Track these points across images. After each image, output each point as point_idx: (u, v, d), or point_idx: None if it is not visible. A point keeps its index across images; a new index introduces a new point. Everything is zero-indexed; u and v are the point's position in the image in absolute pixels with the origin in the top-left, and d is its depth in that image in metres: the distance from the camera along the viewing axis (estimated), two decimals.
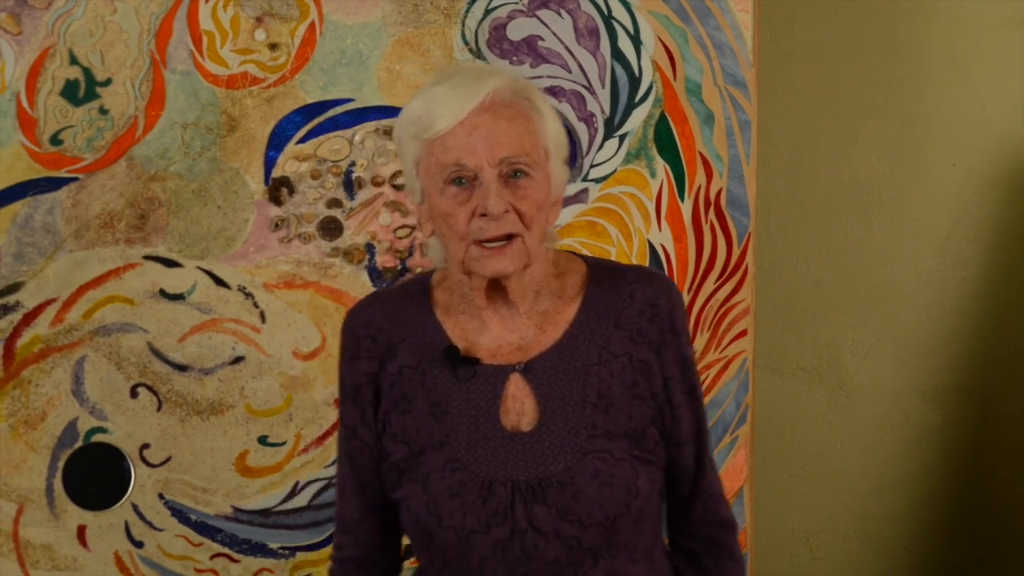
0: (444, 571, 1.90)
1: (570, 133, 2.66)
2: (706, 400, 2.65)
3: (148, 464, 2.64)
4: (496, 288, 1.90)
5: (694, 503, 1.97)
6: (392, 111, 2.65)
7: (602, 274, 1.95)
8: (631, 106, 2.66)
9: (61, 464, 2.62)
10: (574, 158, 2.66)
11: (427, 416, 1.91)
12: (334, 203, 2.65)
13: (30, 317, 2.62)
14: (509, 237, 1.84)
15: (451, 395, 1.92)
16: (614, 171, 2.67)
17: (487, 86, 1.84)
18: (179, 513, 2.64)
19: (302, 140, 2.65)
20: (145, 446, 2.63)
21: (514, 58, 2.65)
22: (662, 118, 2.67)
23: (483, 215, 1.83)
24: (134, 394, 2.63)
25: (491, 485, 1.88)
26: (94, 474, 2.62)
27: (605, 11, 2.66)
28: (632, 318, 1.91)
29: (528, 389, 1.91)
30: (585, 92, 2.66)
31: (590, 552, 1.88)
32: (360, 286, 2.65)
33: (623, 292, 1.92)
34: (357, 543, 2.00)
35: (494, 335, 1.93)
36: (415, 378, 1.94)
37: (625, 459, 1.89)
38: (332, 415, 2.65)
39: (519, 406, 1.91)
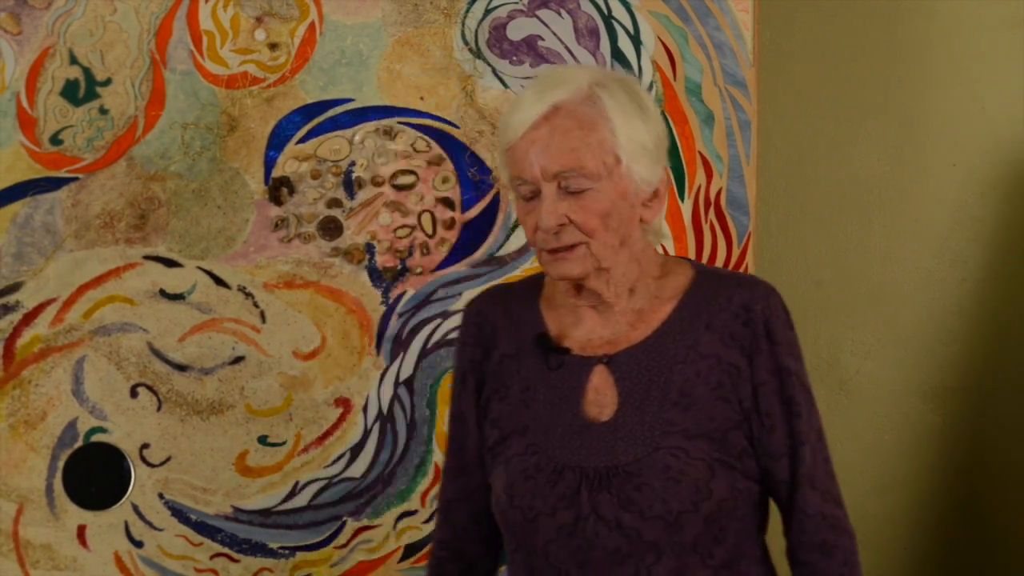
0: (516, 553, 1.96)
1: None
2: None
3: (148, 464, 2.64)
4: (580, 286, 1.95)
5: (791, 522, 1.94)
6: (392, 111, 2.65)
7: (706, 278, 1.96)
8: None
9: (61, 464, 2.62)
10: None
11: (518, 402, 1.97)
12: (334, 203, 2.65)
13: (30, 317, 2.62)
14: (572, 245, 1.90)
15: (540, 382, 1.97)
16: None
17: (552, 97, 1.88)
18: (179, 513, 2.64)
19: (302, 140, 2.65)
20: (145, 446, 2.63)
21: (514, 58, 2.65)
22: (662, 118, 2.67)
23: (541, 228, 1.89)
24: (134, 394, 2.63)
25: (562, 470, 1.92)
26: (94, 474, 2.62)
27: (605, 11, 2.66)
28: (726, 321, 1.92)
29: (611, 381, 1.94)
30: None
31: (652, 546, 1.89)
32: (360, 286, 2.65)
33: (720, 295, 1.93)
34: (448, 524, 2.07)
35: (586, 328, 1.97)
36: (512, 366, 2.00)
37: (702, 459, 1.90)
38: (332, 415, 2.65)
39: (601, 397, 1.94)
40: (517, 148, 1.90)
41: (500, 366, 2.01)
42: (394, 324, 2.66)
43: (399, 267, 2.66)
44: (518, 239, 2.66)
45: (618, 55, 2.66)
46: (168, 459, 2.64)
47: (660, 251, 2.00)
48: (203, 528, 2.64)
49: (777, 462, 1.92)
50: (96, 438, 2.63)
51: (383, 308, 2.66)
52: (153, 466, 2.64)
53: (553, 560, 1.92)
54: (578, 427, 1.95)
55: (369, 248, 2.65)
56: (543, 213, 1.88)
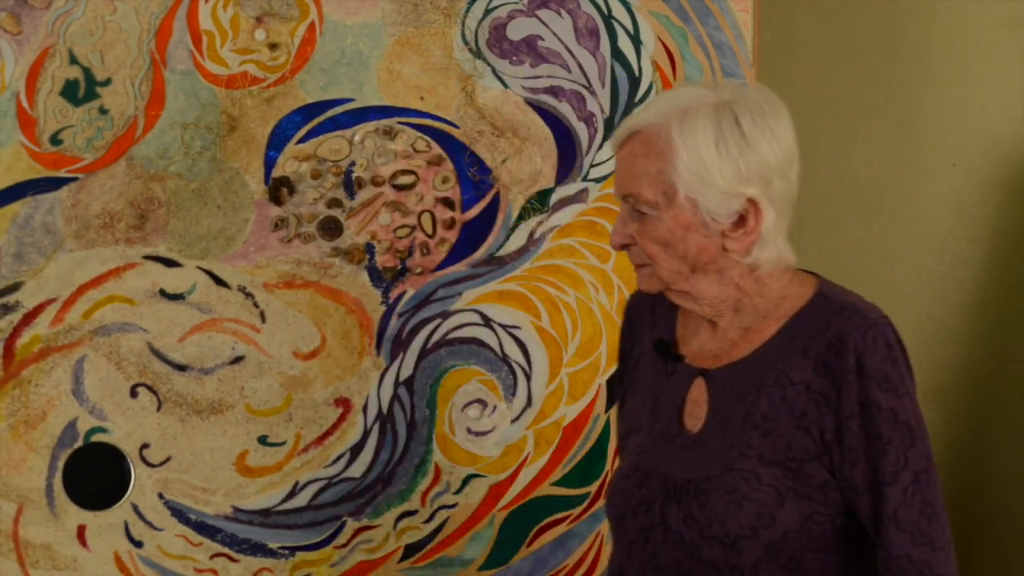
0: (614, 546, 2.04)
1: (570, 133, 2.66)
2: None
3: (148, 464, 2.64)
4: None
5: (880, 560, 1.90)
6: (392, 111, 2.65)
7: (820, 301, 1.95)
8: (631, 106, 2.66)
9: (61, 464, 2.62)
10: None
11: (640, 401, 2.05)
12: (334, 203, 2.65)
13: (30, 317, 2.62)
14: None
15: (658, 386, 2.03)
16: (614, 171, 2.67)
17: (638, 120, 1.94)
18: (179, 513, 2.64)
19: (302, 140, 2.65)
20: (145, 446, 2.63)
21: (514, 58, 2.65)
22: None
23: None
24: (134, 394, 2.63)
25: (650, 475, 1.97)
26: (94, 474, 2.62)
27: (605, 11, 2.66)
28: (820, 349, 1.90)
29: (706, 396, 1.97)
30: (585, 92, 2.66)
31: (711, 566, 1.90)
32: (360, 286, 2.65)
33: (821, 321, 1.92)
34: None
35: (701, 340, 2.00)
36: (646, 364, 2.07)
37: (773, 487, 1.89)
38: (332, 415, 2.65)
39: (696, 410, 1.97)
40: (615, 164, 2.00)
41: (638, 362, 2.09)
42: (394, 324, 2.66)
43: (399, 267, 2.66)
44: (518, 239, 2.66)
45: (618, 55, 2.66)
46: (168, 459, 2.64)
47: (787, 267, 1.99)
48: (203, 528, 2.64)
49: (859, 497, 1.88)
50: (96, 438, 2.63)
51: (383, 308, 2.66)
52: (153, 466, 2.64)
53: (635, 561, 1.97)
54: (671, 435, 1.98)
55: (369, 248, 2.65)
56: (612, 231, 1.97)
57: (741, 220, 1.93)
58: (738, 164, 1.93)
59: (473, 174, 2.66)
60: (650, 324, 2.09)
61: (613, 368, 2.65)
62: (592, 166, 2.67)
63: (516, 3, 2.66)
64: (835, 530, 1.90)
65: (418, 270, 2.66)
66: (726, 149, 1.92)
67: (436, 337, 2.66)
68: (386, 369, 2.66)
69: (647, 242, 1.94)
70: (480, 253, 2.67)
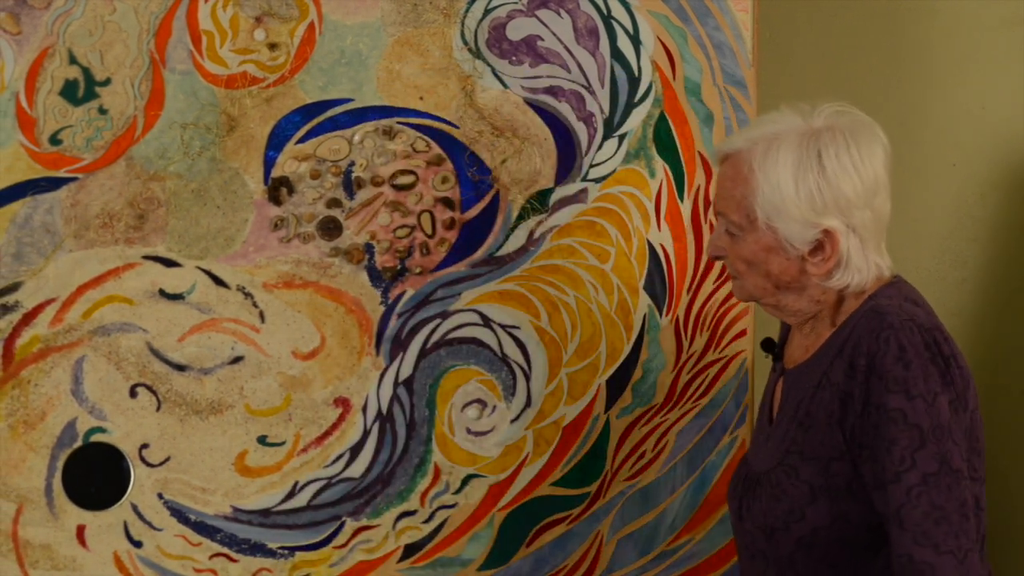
0: None
1: (569, 133, 2.66)
2: (705, 400, 2.66)
3: (147, 464, 2.64)
4: None
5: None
6: (391, 111, 2.65)
7: (868, 307, 2.03)
8: (630, 106, 2.66)
9: (60, 464, 2.62)
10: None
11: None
12: (333, 203, 2.65)
13: (29, 317, 2.62)
14: None
15: (767, 382, 2.23)
16: (613, 171, 2.68)
17: (729, 145, 2.06)
18: (178, 513, 2.64)
19: (301, 140, 2.65)
20: (144, 446, 2.63)
21: (513, 58, 2.65)
22: (661, 118, 2.67)
23: None
24: (133, 394, 2.63)
25: (744, 463, 2.16)
26: (93, 474, 2.62)
27: (604, 11, 2.66)
28: (850, 351, 1.97)
29: (781, 393, 2.11)
30: (584, 92, 2.66)
31: (762, 554, 2.02)
32: (359, 286, 2.65)
33: (852, 324, 2.01)
34: None
35: (794, 344, 2.14)
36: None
37: (807, 483, 1.96)
38: (331, 415, 2.65)
39: (777, 407, 2.12)
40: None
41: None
42: (393, 324, 2.66)
43: (398, 267, 2.66)
44: (517, 239, 2.66)
45: (617, 55, 2.66)
46: (167, 459, 2.64)
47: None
48: (202, 528, 2.64)
49: (873, 494, 1.93)
50: (95, 438, 2.63)
51: (382, 308, 2.66)
52: (152, 466, 2.64)
53: (738, 543, 2.13)
54: (762, 429, 2.13)
55: (368, 248, 2.65)
56: (709, 240, 2.16)
57: (819, 246, 2.01)
58: (814, 197, 2.00)
59: (473, 174, 2.66)
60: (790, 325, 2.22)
61: (612, 368, 2.65)
62: (591, 166, 2.67)
63: (515, 3, 2.66)
64: (872, 530, 1.93)
65: (417, 270, 2.66)
66: (804, 182, 2.00)
67: (435, 337, 2.66)
68: (385, 369, 2.66)
69: (734, 259, 2.07)
70: (480, 253, 2.67)
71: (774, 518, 1.98)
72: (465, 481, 2.67)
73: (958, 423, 1.90)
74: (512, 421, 2.67)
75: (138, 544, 2.64)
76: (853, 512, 1.92)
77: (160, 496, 2.64)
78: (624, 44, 2.66)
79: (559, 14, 2.65)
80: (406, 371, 2.66)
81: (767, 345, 2.21)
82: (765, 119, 2.07)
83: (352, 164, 2.65)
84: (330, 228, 2.65)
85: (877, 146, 2.04)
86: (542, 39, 2.66)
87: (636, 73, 2.66)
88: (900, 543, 1.87)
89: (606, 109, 2.66)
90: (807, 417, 1.99)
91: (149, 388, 2.63)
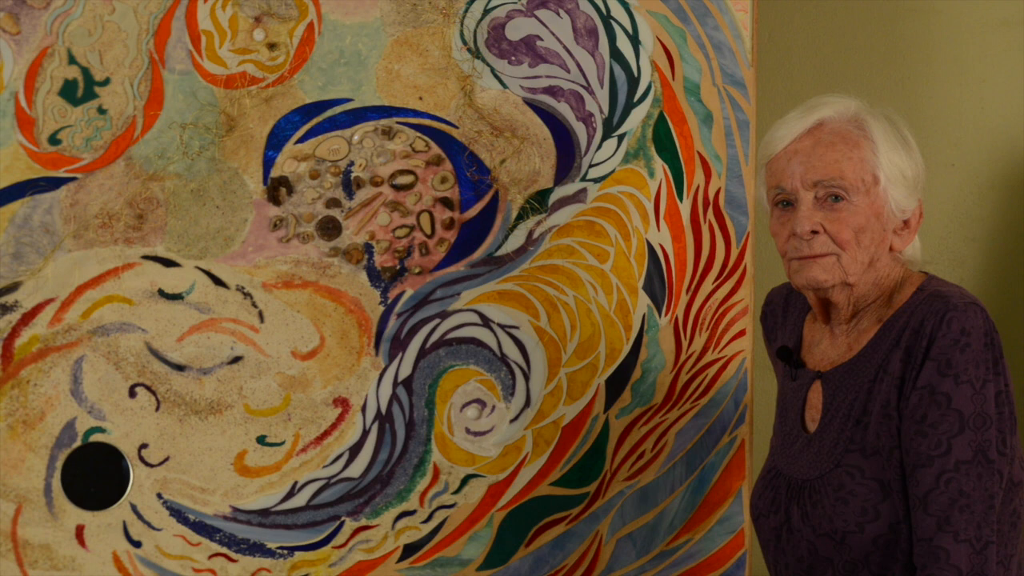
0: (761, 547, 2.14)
1: (568, 133, 2.66)
2: (704, 400, 2.66)
3: (146, 464, 2.64)
4: (829, 305, 2.05)
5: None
6: (390, 111, 2.65)
7: (919, 298, 1.98)
8: (630, 106, 2.66)
9: (59, 464, 2.62)
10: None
11: (777, 405, 2.15)
12: (333, 203, 2.65)
13: (28, 317, 2.62)
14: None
15: (784, 390, 2.13)
16: (613, 171, 2.67)
17: (817, 115, 1.98)
18: (177, 513, 2.64)
19: (301, 140, 2.65)
20: (143, 446, 2.63)
21: (512, 58, 2.65)
22: (661, 118, 2.67)
23: (795, 235, 1.98)
24: (132, 394, 2.63)
25: (777, 476, 2.06)
26: (92, 474, 2.62)
27: (604, 11, 2.65)
28: (908, 338, 1.94)
29: (821, 396, 2.03)
30: (584, 92, 2.66)
31: (828, 562, 1.95)
32: (359, 286, 2.65)
33: (912, 312, 1.96)
34: None
35: (823, 347, 2.08)
36: (780, 367, 2.17)
37: (876, 480, 1.92)
38: (330, 415, 2.65)
39: (813, 411, 2.05)
40: (779, 159, 2.00)
41: (774, 359, 2.22)
42: (393, 324, 2.66)
43: (398, 267, 2.66)
44: (517, 239, 2.66)
45: (617, 55, 2.66)
46: (166, 459, 2.64)
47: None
48: (201, 528, 2.64)
49: (909, 477, 1.91)
50: (94, 438, 2.63)
51: (382, 308, 2.66)
52: (151, 466, 2.64)
53: (771, 558, 2.06)
54: (794, 436, 2.06)
55: (368, 248, 2.65)
56: (799, 218, 1.96)
57: (906, 221, 2.00)
58: (915, 164, 2.00)
59: (472, 174, 2.66)
60: (782, 325, 2.18)
61: (612, 368, 2.66)
62: (591, 166, 2.67)
63: (515, 3, 2.66)
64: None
65: (417, 270, 2.66)
66: (907, 149, 1.99)
67: (435, 337, 2.66)
68: (385, 369, 2.66)
69: (842, 228, 1.96)
70: (479, 253, 2.67)
71: (844, 521, 1.92)
72: (464, 481, 2.67)
73: (1003, 412, 1.89)
74: (511, 421, 2.67)
75: (137, 544, 2.64)
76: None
77: (159, 496, 2.64)
78: (623, 44, 2.66)
79: (558, 14, 2.65)
80: (405, 371, 2.66)
81: (783, 353, 2.12)
82: (828, 96, 2.03)
83: (351, 164, 2.65)
84: (329, 228, 2.65)
85: None
86: (541, 39, 2.66)
87: (635, 73, 2.66)
88: (923, 527, 1.87)
89: (605, 109, 2.66)
90: (864, 414, 1.95)
91: (148, 388, 2.63)
